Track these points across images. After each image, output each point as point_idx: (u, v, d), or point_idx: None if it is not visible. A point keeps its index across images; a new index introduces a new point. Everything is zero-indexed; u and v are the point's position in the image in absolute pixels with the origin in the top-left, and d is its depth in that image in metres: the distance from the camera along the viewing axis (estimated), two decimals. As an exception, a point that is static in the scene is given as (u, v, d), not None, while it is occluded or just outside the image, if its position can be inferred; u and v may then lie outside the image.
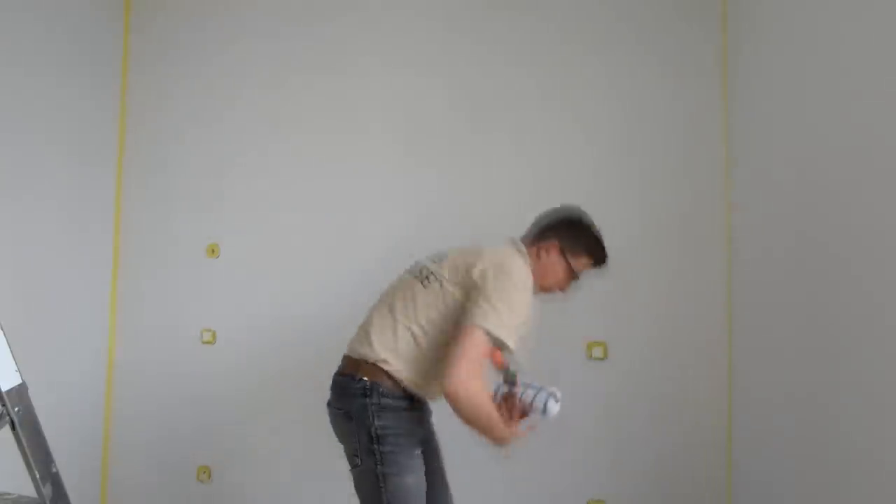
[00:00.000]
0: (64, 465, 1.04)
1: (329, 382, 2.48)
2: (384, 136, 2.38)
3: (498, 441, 1.43)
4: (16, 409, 0.96)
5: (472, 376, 1.33)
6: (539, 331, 1.54)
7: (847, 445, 1.49)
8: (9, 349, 0.98)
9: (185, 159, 2.54)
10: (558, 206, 1.68)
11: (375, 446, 1.43)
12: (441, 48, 2.39)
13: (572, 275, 1.62)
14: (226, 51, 2.53)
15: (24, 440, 0.96)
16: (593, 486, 2.23)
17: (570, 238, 1.61)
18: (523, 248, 1.59)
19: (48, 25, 2.23)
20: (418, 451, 1.51)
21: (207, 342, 2.48)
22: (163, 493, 2.47)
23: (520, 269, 1.48)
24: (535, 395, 1.49)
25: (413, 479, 1.46)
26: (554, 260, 1.60)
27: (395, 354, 1.47)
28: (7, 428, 0.96)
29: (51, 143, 2.24)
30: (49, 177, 2.24)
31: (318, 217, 2.41)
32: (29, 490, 1.01)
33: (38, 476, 0.97)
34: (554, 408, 1.48)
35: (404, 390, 1.48)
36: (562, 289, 1.64)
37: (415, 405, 1.52)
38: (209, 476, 2.45)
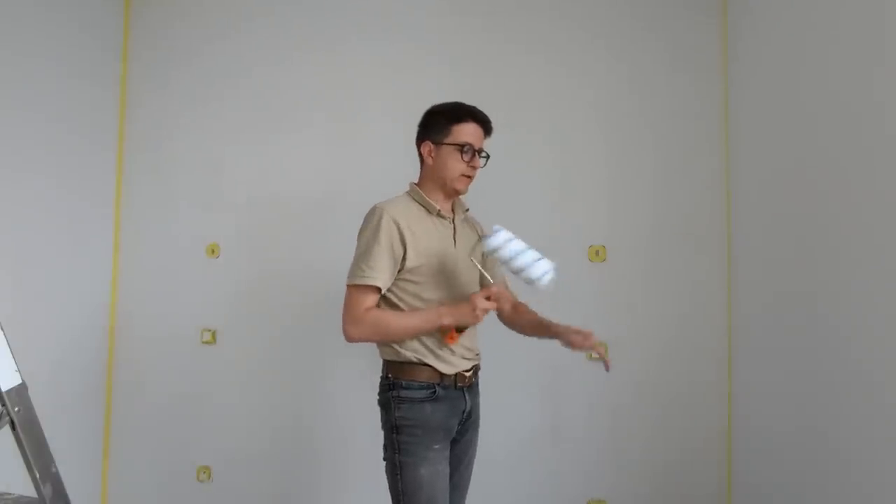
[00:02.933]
0: (64, 465, 1.04)
1: (329, 382, 2.49)
2: (386, 134, 2.37)
3: (428, 328, 1.51)
4: (16, 409, 0.96)
5: (350, 324, 1.52)
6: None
7: (846, 446, 1.48)
8: (9, 349, 0.98)
9: (185, 159, 2.55)
10: None
11: (395, 436, 1.53)
12: (442, 45, 2.38)
13: (460, 150, 1.57)
14: (226, 49, 2.53)
15: (24, 440, 0.96)
16: (593, 486, 2.23)
17: (429, 129, 1.62)
18: (411, 185, 1.65)
19: (48, 25, 2.23)
20: (438, 446, 1.52)
21: (207, 342, 2.48)
22: (163, 493, 2.48)
23: (367, 217, 1.56)
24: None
25: (427, 470, 1.49)
26: (436, 156, 1.60)
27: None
28: (7, 428, 0.96)
29: (50, 142, 2.25)
30: (48, 176, 2.24)
31: (319, 216, 2.41)
32: (29, 490, 1.01)
33: (38, 476, 0.97)
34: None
35: (426, 377, 1.53)
36: (464, 174, 1.59)
37: (437, 397, 1.53)
38: (209, 476, 2.45)
